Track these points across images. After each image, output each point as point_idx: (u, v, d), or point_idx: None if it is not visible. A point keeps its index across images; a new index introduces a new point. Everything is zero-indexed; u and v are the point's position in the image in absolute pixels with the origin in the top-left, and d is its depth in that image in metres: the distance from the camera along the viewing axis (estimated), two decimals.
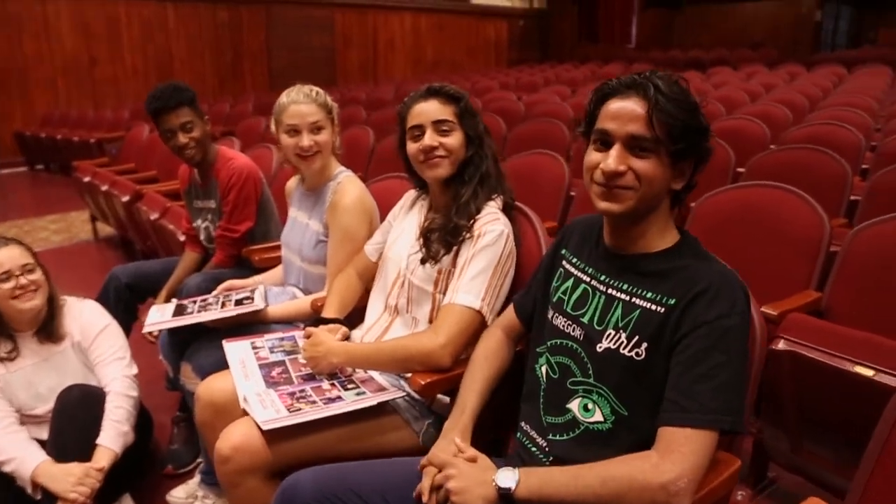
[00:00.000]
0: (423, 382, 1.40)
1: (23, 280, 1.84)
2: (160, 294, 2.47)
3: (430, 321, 1.55)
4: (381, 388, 1.51)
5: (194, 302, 2.00)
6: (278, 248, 2.40)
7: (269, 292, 2.07)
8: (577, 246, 1.29)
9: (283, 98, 1.94)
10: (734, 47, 13.12)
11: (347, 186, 1.95)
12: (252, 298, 1.95)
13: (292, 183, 2.20)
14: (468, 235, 1.49)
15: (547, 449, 1.19)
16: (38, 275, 1.88)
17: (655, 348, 1.08)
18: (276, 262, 2.29)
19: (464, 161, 1.57)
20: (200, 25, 10.27)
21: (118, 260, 4.64)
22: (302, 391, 1.48)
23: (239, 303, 1.93)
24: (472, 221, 1.51)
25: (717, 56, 11.75)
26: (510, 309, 1.44)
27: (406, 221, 1.72)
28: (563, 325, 1.23)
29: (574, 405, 1.18)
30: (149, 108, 2.33)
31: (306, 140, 1.91)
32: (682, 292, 1.07)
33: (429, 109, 1.57)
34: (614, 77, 1.14)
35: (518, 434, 1.28)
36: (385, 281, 1.67)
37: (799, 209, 2.09)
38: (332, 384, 1.52)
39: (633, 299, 1.13)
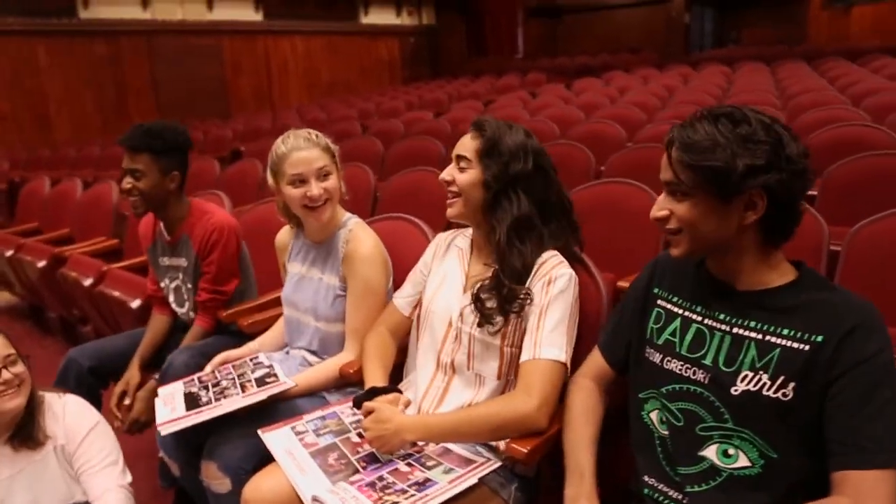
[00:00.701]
0: (525, 450, 1.29)
1: (5, 375, 1.53)
2: (130, 366, 2.19)
3: (499, 377, 1.44)
4: (466, 460, 1.37)
5: (204, 387, 1.74)
6: (267, 308, 2.19)
7: (272, 360, 1.86)
8: (672, 284, 1.26)
9: (281, 146, 1.75)
10: (615, 51, 13.77)
11: (360, 234, 1.81)
12: (273, 374, 1.73)
13: (285, 236, 1.99)
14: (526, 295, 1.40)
15: (686, 501, 1.14)
16: (20, 367, 1.58)
17: (804, 387, 1.04)
18: (266, 325, 2.08)
19: (487, 203, 1.46)
20: (77, 62, 9.50)
21: (26, 333, 4.15)
22: (381, 479, 1.31)
23: (261, 382, 1.70)
24: (526, 283, 1.41)
25: (602, 62, 12.25)
26: (595, 356, 1.38)
27: (445, 267, 1.60)
28: (680, 369, 1.18)
29: (710, 452, 1.12)
30: (120, 140, 2.15)
31: (315, 188, 1.73)
32: (830, 328, 1.04)
33: (461, 141, 1.51)
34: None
35: (645, 490, 1.21)
36: (433, 336, 1.54)
37: (643, 201, 2.36)
38: (410, 464, 1.36)
39: (768, 337, 1.09)
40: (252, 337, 2.05)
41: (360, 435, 1.46)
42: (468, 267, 1.56)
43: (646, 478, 1.22)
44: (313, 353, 1.89)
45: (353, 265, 1.76)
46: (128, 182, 2.12)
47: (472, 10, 14.60)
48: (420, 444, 1.41)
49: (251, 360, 1.85)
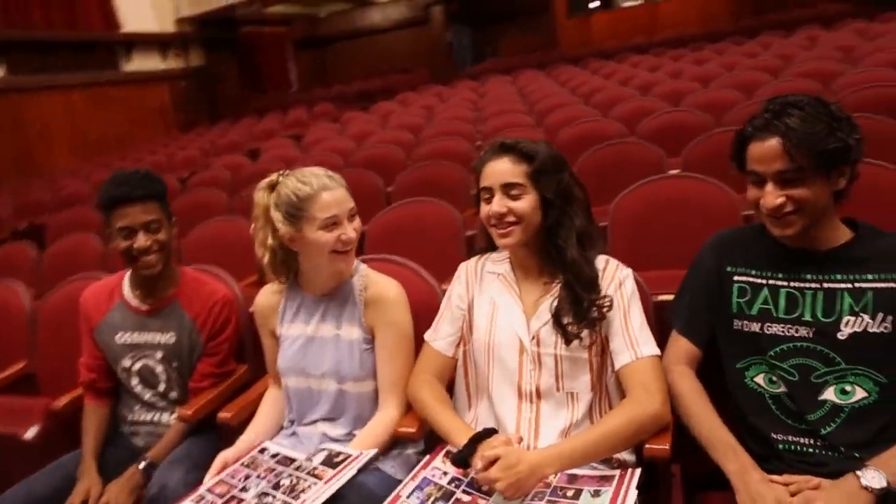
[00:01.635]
0: (667, 447, 1.34)
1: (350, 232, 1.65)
2: (84, 473, 1.80)
3: (592, 388, 1.45)
4: (601, 478, 1.35)
5: (261, 492, 1.46)
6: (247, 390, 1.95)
7: (280, 446, 1.66)
8: (745, 259, 1.40)
9: (302, 187, 1.56)
10: (386, 73, 14.28)
11: (378, 278, 1.69)
12: (336, 453, 1.53)
13: (271, 298, 1.77)
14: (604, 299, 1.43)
15: (822, 444, 1.27)
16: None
17: None
18: (250, 410, 1.84)
19: (546, 226, 1.47)
20: None
21: None
22: None
23: (331, 463, 1.49)
24: (600, 289, 1.44)
25: (379, 86, 12.62)
26: (679, 342, 1.46)
27: (489, 296, 1.56)
28: (783, 331, 1.33)
29: (829, 395, 1.28)
30: (105, 196, 1.79)
31: (350, 231, 1.60)
32: None
33: (499, 170, 1.47)
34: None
35: (780, 447, 1.32)
36: (504, 368, 1.49)
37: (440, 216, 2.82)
38: (556, 502, 1.29)
39: (858, 284, 1.28)
40: (239, 431, 1.78)
41: (466, 492, 1.36)
42: (519, 289, 1.53)
43: (773, 435, 1.33)
44: (329, 420, 1.68)
45: (382, 311, 1.63)
46: (146, 238, 1.82)
47: (241, 49, 14.22)
48: (550, 478, 1.35)
49: (265, 452, 1.63)
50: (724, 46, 8.26)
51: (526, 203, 1.45)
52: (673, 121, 4.07)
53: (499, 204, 1.45)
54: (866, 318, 1.27)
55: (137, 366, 1.95)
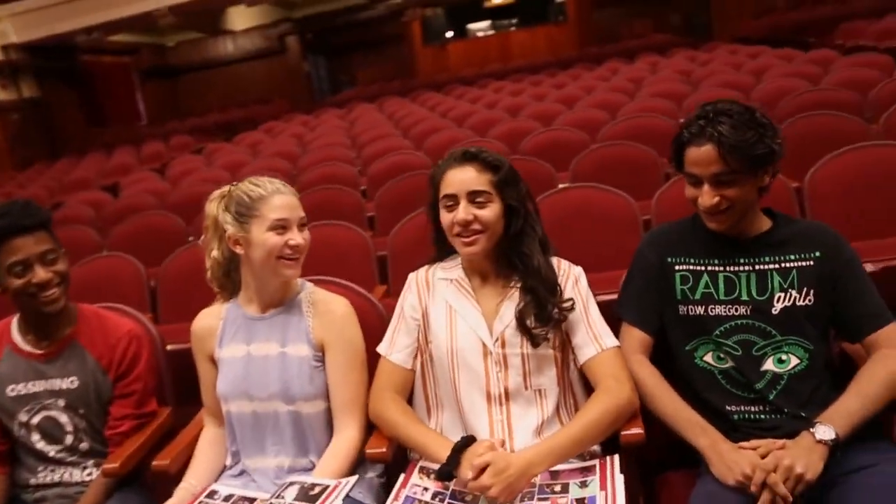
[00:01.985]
0: (641, 431, 1.40)
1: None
2: None
3: (559, 382, 1.47)
4: (583, 469, 1.38)
5: None
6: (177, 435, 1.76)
7: (229, 487, 1.54)
8: (683, 250, 1.52)
9: (256, 189, 1.53)
10: (245, 104, 13.89)
11: (326, 294, 1.63)
12: (319, 485, 1.42)
13: (211, 319, 1.65)
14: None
15: (770, 408, 1.40)
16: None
17: (820, 291, 1.42)
18: (188, 455, 1.67)
19: (511, 234, 1.49)
20: None
21: None
22: None
23: (308, 497, 1.38)
24: (562, 292, 1.49)
25: (239, 116, 12.25)
26: (632, 333, 1.54)
27: (445, 303, 1.54)
28: (725, 311, 1.45)
29: (769, 365, 1.43)
30: None
31: (299, 237, 1.54)
32: (821, 244, 1.44)
33: (464, 178, 1.47)
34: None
35: (735, 417, 1.43)
36: (471, 373, 1.48)
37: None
38: (543, 499, 1.31)
39: (784, 264, 1.44)
40: (176, 480, 1.60)
41: (452, 501, 1.34)
42: (476, 294, 1.53)
43: (728, 408, 1.44)
44: (282, 448, 1.56)
45: (333, 326, 1.56)
46: (44, 271, 1.63)
47: (81, 79, 13.17)
48: (535, 479, 1.36)
49: (215, 496, 1.50)
50: (577, 72, 8.83)
51: (491, 211, 1.46)
52: (551, 139, 4.29)
53: (465, 211, 1.45)
54: (793, 293, 1.43)
55: (37, 419, 1.71)
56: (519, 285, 1.50)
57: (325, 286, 1.71)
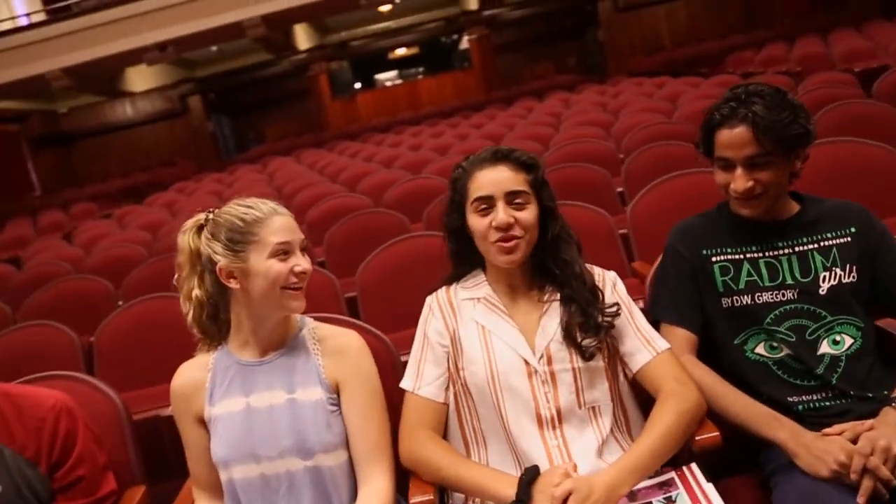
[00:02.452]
0: (716, 433, 1.29)
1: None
2: None
3: (612, 397, 1.34)
4: (663, 484, 1.25)
5: None
6: None
7: None
8: (717, 241, 1.45)
9: (251, 211, 1.32)
10: (149, 168, 13.31)
11: (334, 329, 1.43)
12: None
13: (192, 375, 1.40)
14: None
15: (834, 393, 1.33)
16: None
17: (861, 266, 1.38)
18: None
19: (548, 239, 1.36)
20: None
21: None
22: None
23: None
24: (604, 296, 1.37)
25: (145, 180, 11.71)
26: (676, 333, 1.44)
27: (475, 324, 1.39)
28: (773, 298, 1.39)
29: (825, 348, 1.36)
30: None
31: (305, 261, 1.34)
32: (853, 220, 1.41)
33: (499, 178, 1.33)
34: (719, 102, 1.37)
35: (799, 408, 1.34)
36: (517, 398, 1.32)
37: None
38: None
39: (823, 243, 1.40)
40: None
41: None
42: (508, 311, 1.39)
43: (790, 399, 1.35)
44: None
45: (348, 363, 1.37)
46: None
47: None
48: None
49: None
50: (491, 112, 9.02)
51: (530, 213, 1.34)
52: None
53: (505, 212, 1.31)
54: (837, 270, 1.38)
55: None
56: (556, 296, 1.38)
57: (332, 321, 1.51)
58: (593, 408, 1.34)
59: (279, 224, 1.32)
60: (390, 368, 1.50)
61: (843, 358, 1.36)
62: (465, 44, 15.45)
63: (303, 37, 14.03)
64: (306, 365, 1.38)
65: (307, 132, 13.25)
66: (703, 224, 1.50)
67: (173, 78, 14.62)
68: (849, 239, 1.40)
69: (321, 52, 14.60)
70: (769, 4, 13.39)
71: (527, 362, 1.33)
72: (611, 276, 1.44)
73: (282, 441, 1.32)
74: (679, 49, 12.74)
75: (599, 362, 1.34)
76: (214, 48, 13.39)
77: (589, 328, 1.33)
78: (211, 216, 1.36)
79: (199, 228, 1.37)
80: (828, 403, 1.34)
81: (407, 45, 16.16)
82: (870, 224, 1.42)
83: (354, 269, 2.65)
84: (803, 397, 1.36)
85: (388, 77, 16.14)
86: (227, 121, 16.88)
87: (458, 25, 14.97)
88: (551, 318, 1.37)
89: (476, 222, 1.35)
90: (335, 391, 1.37)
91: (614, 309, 1.37)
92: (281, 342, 1.40)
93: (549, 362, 1.33)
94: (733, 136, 1.34)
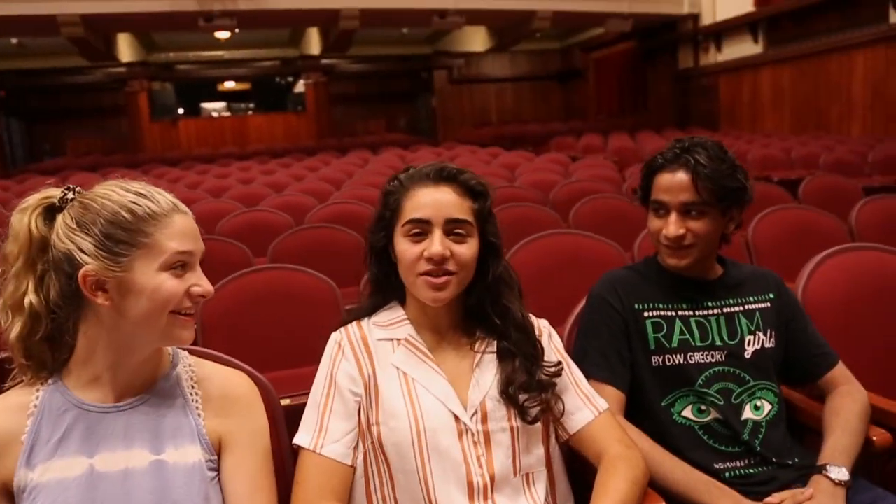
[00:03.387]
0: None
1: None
2: None
3: (547, 462, 1.17)
4: None
5: None
6: None
7: None
8: (648, 296, 1.40)
9: (141, 200, 0.97)
10: None
11: (217, 369, 1.12)
12: None
13: (6, 419, 0.99)
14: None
15: (758, 460, 1.30)
16: None
17: (778, 332, 1.40)
18: None
19: (489, 280, 1.16)
20: None
21: None
22: None
23: None
24: (543, 351, 1.20)
25: None
26: (608, 391, 1.32)
27: (399, 371, 1.16)
28: (703, 358, 1.36)
29: (747, 413, 1.34)
30: None
31: (205, 281, 1.02)
32: (771, 286, 1.43)
33: (441, 201, 1.13)
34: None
35: (725, 475, 1.29)
36: (446, 460, 1.10)
37: None
38: None
39: (747, 306, 1.40)
40: None
41: None
42: (433, 355, 1.18)
43: (717, 466, 1.29)
44: None
45: (236, 415, 1.07)
46: None
47: None
48: None
49: None
50: (325, 158, 8.84)
51: (469, 249, 1.14)
52: (342, 209, 4.05)
53: (441, 243, 1.11)
54: (760, 335, 1.38)
55: None
56: (491, 346, 1.20)
57: (202, 357, 1.17)
58: (528, 475, 1.15)
59: (181, 226, 0.99)
60: (269, 419, 1.17)
61: (764, 423, 1.34)
62: (300, 87, 15.23)
63: (126, 49, 12.92)
64: (180, 415, 1.04)
65: (117, 152, 12.11)
66: (631, 277, 1.44)
67: None
68: (768, 304, 1.42)
69: (144, 70, 13.55)
70: (585, 101, 14.83)
71: (457, 418, 1.13)
72: (545, 325, 1.27)
73: None
74: (506, 126, 13.60)
75: (537, 423, 1.17)
76: (15, 40, 11.85)
77: (531, 387, 1.15)
78: (75, 196, 1.00)
79: (51, 210, 1.00)
80: (752, 471, 1.31)
81: (238, 78, 15.59)
82: (784, 290, 1.45)
83: None
84: (728, 464, 1.31)
85: (215, 107, 15.35)
86: (18, 125, 14.93)
87: (295, 68, 14.77)
88: (485, 371, 1.18)
89: (405, 248, 1.14)
90: (216, 451, 1.06)
91: (558, 368, 1.20)
92: (149, 382, 1.05)
93: (484, 420, 1.13)
94: (673, 181, 1.33)
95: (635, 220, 3.49)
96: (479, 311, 1.20)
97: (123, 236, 0.96)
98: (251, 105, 15.81)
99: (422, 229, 1.13)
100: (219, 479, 1.04)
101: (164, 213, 0.98)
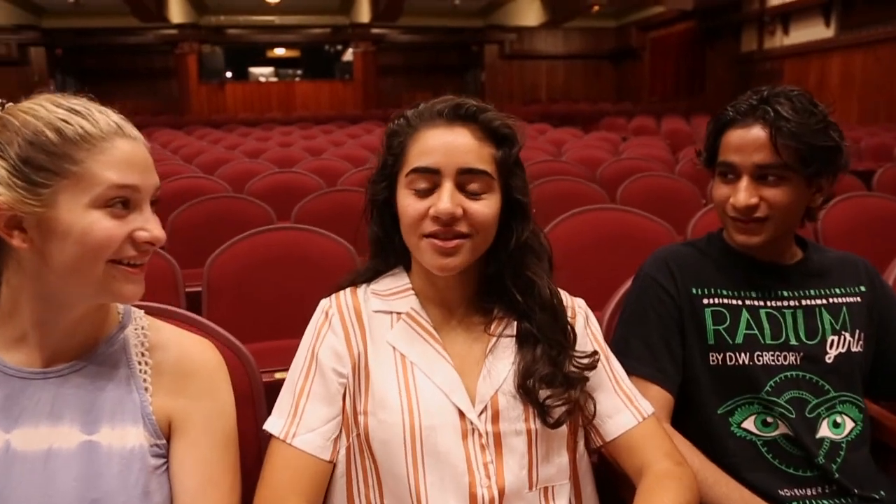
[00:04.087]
0: None
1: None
2: None
3: (571, 473, 0.95)
4: None
5: None
6: None
7: None
8: (709, 279, 1.15)
9: (73, 118, 0.77)
10: None
11: (177, 333, 0.93)
12: None
13: None
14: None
15: (835, 489, 1.06)
16: None
17: (867, 333, 1.14)
18: None
19: (512, 246, 0.94)
20: None
21: None
22: None
23: None
24: (575, 337, 0.97)
25: None
26: (653, 392, 1.09)
27: (395, 351, 0.94)
28: (774, 360, 1.11)
29: (825, 431, 1.09)
30: None
31: (155, 225, 0.82)
32: (862, 277, 1.16)
33: (454, 144, 0.90)
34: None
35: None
36: (444, 468, 0.89)
37: None
38: None
39: (831, 299, 1.14)
40: None
41: None
42: (440, 335, 0.96)
43: (780, 492, 1.05)
44: None
45: (199, 390, 0.88)
46: None
47: None
48: None
49: None
50: (368, 126, 8.68)
51: (488, 207, 0.91)
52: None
53: (452, 199, 0.88)
54: (847, 335, 1.12)
55: None
56: (511, 328, 0.97)
57: (164, 319, 0.96)
58: (546, 489, 0.93)
59: (125, 153, 0.79)
60: (246, 396, 1.01)
61: (844, 444, 1.09)
62: (349, 56, 15.07)
63: (177, 10, 12.95)
64: (122, 389, 0.85)
65: (165, 113, 12.16)
66: (690, 256, 1.18)
67: (14, 20, 12.91)
68: (858, 299, 1.15)
69: (194, 32, 13.57)
70: (638, 82, 14.33)
71: (462, 415, 0.91)
72: (581, 305, 1.04)
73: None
74: (555, 104, 13.22)
75: (563, 427, 0.94)
76: None
77: (555, 382, 0.92)
78: (1, 112, 0.80)
79: None
80: (826, 502, 1.06)
81: (287, 44, 15.50)
82: (879, 282, 1.18)
83: (203, 259, 2.16)
84: (796, 490, 1.06)
85: (263, 72, 15.30)
86: (73, 84, 15.17)
87: (345, 36, 14.61)
88: (500, 358, 0.95)
89: (407, 203, 0.92)
90: (165, 435, 0.87)
91: (593, 359, 0.97)
92: (85, 346, 0.86)
93: (495, 419, 0.92)
94: (746, 138, 1.06)
95: (690, 200, 3.24)
96: (499, 285, 0.97)
97: (45, 162, 0.76)
98: (299, 72, 15.71)
99: (429, 181, 0.90)
100: (167, 469, 0.86)
101: (103, 135, 0.78)
